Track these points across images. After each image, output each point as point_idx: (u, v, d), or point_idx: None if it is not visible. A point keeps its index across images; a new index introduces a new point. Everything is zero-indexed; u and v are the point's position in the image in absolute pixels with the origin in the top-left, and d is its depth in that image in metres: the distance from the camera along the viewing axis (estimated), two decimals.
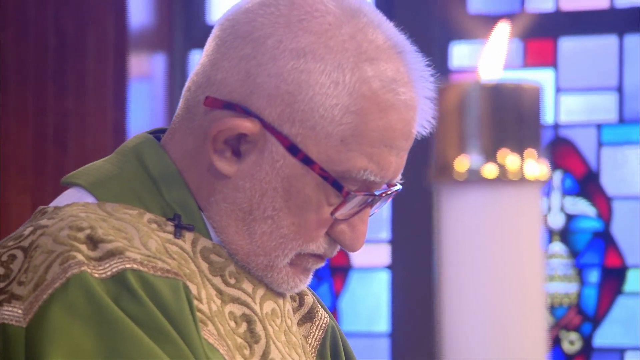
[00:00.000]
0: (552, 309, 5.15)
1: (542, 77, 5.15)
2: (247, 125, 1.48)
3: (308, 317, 1.69)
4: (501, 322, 0.64)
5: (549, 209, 5.18)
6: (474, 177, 0.64)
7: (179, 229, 1.50)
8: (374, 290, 5.31)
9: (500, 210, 0.63)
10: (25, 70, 5.28)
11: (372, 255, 5.29)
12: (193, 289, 1.47)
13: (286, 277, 1.55)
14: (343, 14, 1.51)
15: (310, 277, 1.60)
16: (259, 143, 1.50)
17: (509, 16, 5.22)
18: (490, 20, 5.22)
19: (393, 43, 1.54)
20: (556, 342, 5.11)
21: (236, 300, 1.53)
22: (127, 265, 1.39)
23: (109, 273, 1.37)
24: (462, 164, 0.64)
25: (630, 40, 5.06)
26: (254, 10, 1.51)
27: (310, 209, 1.50)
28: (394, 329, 5.23)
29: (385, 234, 5.26)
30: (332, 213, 1.51)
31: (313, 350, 1.67)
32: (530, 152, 0.66)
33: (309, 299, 1.70)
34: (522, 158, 0.66)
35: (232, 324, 1.51)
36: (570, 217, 5.15)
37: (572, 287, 5.11)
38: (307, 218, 1.50)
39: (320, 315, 1.70)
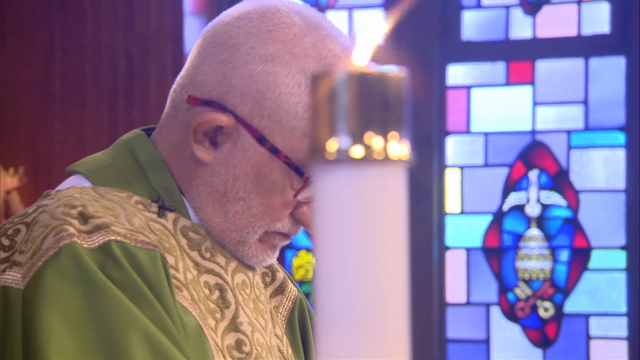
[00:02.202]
0: (530, 282, 5.22)
1: (522, 92, 5.26)
2: (222, 119, 1.48)
3: (279, 290, 1.67)
4: (366, 291, 0.62)
5: (528, 200, 5.24)
6: (343, 157, 0.62)
7: (162, 210, 1.49)
8: None
9: (367, 187, 0.62)
10: (100, 87, 5.37)
11: None
12: (171, 260, 1.46)
13: (255, 252, 1.54)
14: (306, 26, 1.51)
15: (277, 253, 1.58)
16: (233, 134, 1.49)
17: (495, 43, 5.30)
18: (480, 45, 5.33)
19: (348, 52, 1.50)
20: (533, 310, 5.20)
21: (210, 272, 1.52)
22: (112, 237, 1.38)
23: (96, 244, 1.37)
24: (332, 145, 0.63)
25: (595, 62, 5.15)
26: (230, 23, 1.51)
27: (276, 192, 1.49)
28: None
29: None
30: (295, 195, 1.49)
31: (283, 318, 1.65)
32: (393, 134, 0.63)
33: (280, 274, 1.69)
34: (386, 140, 0.63)
35: (207, 291, 1.50)
36: (545, 207, 5.23)
37: (546, 265, 5.20)
38: (273, 200, 1.49)
39: (289, 288, 1.69)
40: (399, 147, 0.64)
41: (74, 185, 1.48)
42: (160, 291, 1.40)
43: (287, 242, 1.57)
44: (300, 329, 1.68)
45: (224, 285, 1.52)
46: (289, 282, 1.71)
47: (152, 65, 5.23)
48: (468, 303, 5.31)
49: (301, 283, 5.49)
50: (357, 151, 0.63)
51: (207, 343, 1.47)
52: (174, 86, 1.55)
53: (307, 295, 5.54)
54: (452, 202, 5.37)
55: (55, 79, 5.51)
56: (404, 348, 0.62)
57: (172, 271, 1.45)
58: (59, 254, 1.35)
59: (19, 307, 1.34)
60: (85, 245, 1.37)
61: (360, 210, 0.63)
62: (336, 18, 5.56)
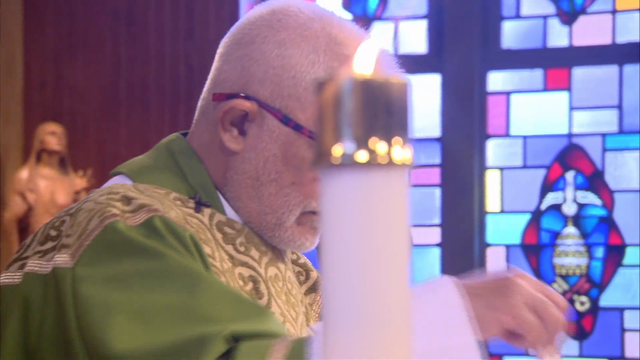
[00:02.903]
0: (567, 277, 5.21)
1: (559, 98, 5.26)
2: (246, 105, 1.45)
3: (313, 288, 1.62)
4: (370, 292, 0.61)
5: (564, 199, 5.23)
6: (348, 162, 0.61)
7: (199, 206, 1.47)
8: (428, 262, 5.39)
9: (371, 190, 0.61)
10: (163, 94, 5.43)
11: (427, 236, 5.37)
12: (208, 250, 1.43)
13: (293, 236, 1.49)
14: (315, 14, 1.50)
15: (317, 237, 1.52)
16: (257, 120, 1.47)
17: (533, 51, 5.31)
18: (519, 53, 5.34)
19: (356, 32, 1.50)
20: (571, 304, 5.17)
21: (244, 264, 1.48)
22: (155, 214, 1.36)
23: (140, 221, 1.36)
24: (338, 150, 0.61)
25: (629, 68, 5.14)
26: (244, 24, 1.51)
27: (306, 168, 1.46)
28: None
29: (437, 219, 5.38)
30: None
31: (316, 315, 1.61)
32: (397, 139, 0.62)
33: (314, 274, 1.64)
34: (390, 145, 0.61)
35: (241, 282, 1.47)
36: (581, 206, 5.21)
37: (582, 261, 5.19)
38: (304, 176, 1.46)
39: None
40: (403, 152, 0.62)
41: (116, 183, 1.47)
42: (201, 262, 1.38)
43: None
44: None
45: (257, 278, 1.49)
46: None
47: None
48: None
49: None
50: (362, 156, 0.61)
51: None
52: (201, 95, 1.53)
53: None
54: (492, 201, 5.36)
55: (121, 86, 5.59)
56: (406, 348, 0.61)
57: (210, 260, 1.42)
58: (105, 231, 1.34)
59: (69, 284, 1.32)
60: (129, 223, 1.35)
61: (364, 213, 0.61)
62: (382, 29, 5.62)
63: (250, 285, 1.48)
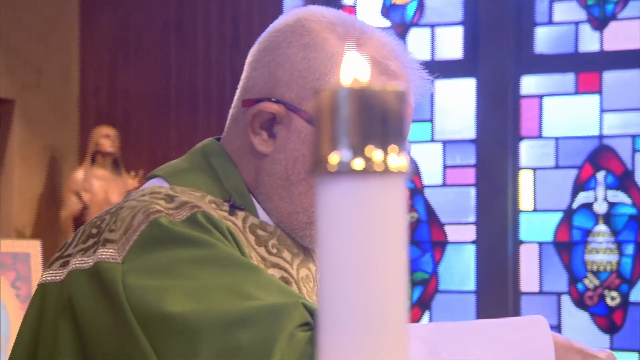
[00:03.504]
0: (598, 273, 5.17)
1: (590, 100, 5.23)
2: (273, 107, 1.44)
3: None
4: (367, 297, 0.59)
5: (595, 198, 5.20)
6: (345, 169, 0.59)
7: (233, 209, 1.44)
8: (464, 259, 5.39)
9: (367, 197, 0.59)
10: (210, 99, 5.46)
11: (462, 233, 5.40)
12: (244, 251, 1.41)
13: None
14: (337, 19, 1.49)
15: None
16: (285, 122, 1.45)
17: (565, 55, 5.28)
18: (551, 58, 5.31)
19: (379, 37, 1.49)
20: (601, 298, 5.16)
21: (276, 266, 1.45)
22: (198, 210, 1.35)
23: (183, 217, 1.34)
24: (334, 158, 0.60)
25: None
26: (270, 33, 1.50)
27: None
28: (479, 288, 5.32)
29: (472, 217, 5.38)
30: None
31: None
32: (393, 147, 0.60)
33: None
34: (386, 152, 0.60)
35: None
36: (611, 205, 5.19)
37: (613, 257, 5.16)
38: None
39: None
40: (398, 160, 0.60)
41: (154, 185, 1.45)
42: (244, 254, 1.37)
43: None
44: None
45: (289, 279, 1.46)
46: None
47: None
48: (541, 292, 5.28)
49: None
50: (358, 163, 0.60)
51: None
52: (233, 104, 1.53)
53: None
54: (525, 200, 5.33)
55: (171, 91, 5.62)
56: (403, 353, 0.58)
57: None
58: (151, 227, 1.32)
59: (119, 279, 1.30)
60: (173, 219, 1.33)
61: (361, 219, 0.59)
62: (419, 35, 5.64)
63: None
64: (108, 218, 1.37)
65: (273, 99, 1.45)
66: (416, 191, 5.55)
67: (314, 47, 1.45)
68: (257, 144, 1.47)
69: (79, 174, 5.50)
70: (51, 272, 1.38)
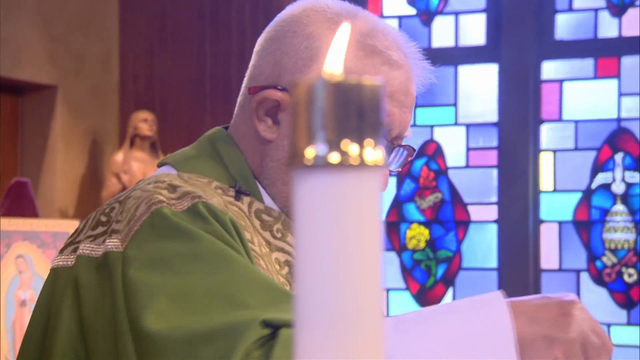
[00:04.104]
0: (616, 251, 5.15)
1: (609, 85, 5.20)
2: (278, 94, 1.41)
3: None
4: (342, 291, 0.56)
5: (614, 179, 5.17)
6: (320, 163, 0.57)
7: (239, 194, 1.43)
8: (486, 237, 5.38)
9: (343, 190, 0.57)
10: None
11: (485, 213, 5.38)
12: (247, 235, 1.38)
13: None
14: (341, 9, 1.46)
15: None
16: (289, 109, 1.41)
17: (585, 41, 5.24)
18: (571, 44, 5.27)
19: (382, 28, 1.46)
20: (619, 275, 5.14)
21: (281, 250, 1.43)
22: (199, 200, 1.32)
23: (185, 207, 1.31)
24: (310, 152, 0.57)
25: None
26: (276, 23, 1.47)
27: None
28: (501, 265, 5.31)
29: (494, 198, 5.36)
30: None
31: None
32: (369, 141, 0.58)
33: None
34: (362, 146, 0.57)
35: (277, 267, 1.42)
36: (629, 185, 5.16)
37: (630, 236, 5.14)
38: None
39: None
40: (374, 153, 0.58)
41: (162, 172, 1.43)
42: (239, 246, 1.32)
43: None
44: None
45: (293, 262, 1.42)
46: None
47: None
48: (560, 269, 5.26)
49: (414, 251, 5.62)
50: (334, 157, 0.57)
51: None
52: (240, 91, 1.50)
53: (420, 262, 5.66)
54: (546, 181, 5.30)
55: (205, 79, 5.63)
56: (379, 347, 0.56)
57: (249, 244, 1.37)
58: (152, 217, 1.30)
59: (119, 268, 1.28)
60: (175, 209, 1.31)
61: (337, 213, 0.57)
62: (444, 22, 5.63)
63: (286, 270, 1.43)
64: (117, 207, 1.36)
65: (278, 87, 1.42)
66: (440, 172, 5.55)
67: (318, 37, 1.43)
68: (262, 131, 1.45)
69: (119, 156, 5.52)
70: (63, 257, 1.37)
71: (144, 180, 1.40)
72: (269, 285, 1.27)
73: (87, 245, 1.34)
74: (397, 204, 5.61)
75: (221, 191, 1.42)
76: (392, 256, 5.60)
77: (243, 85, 1.49)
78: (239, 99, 1.50)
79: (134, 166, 5.44)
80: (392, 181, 5.62)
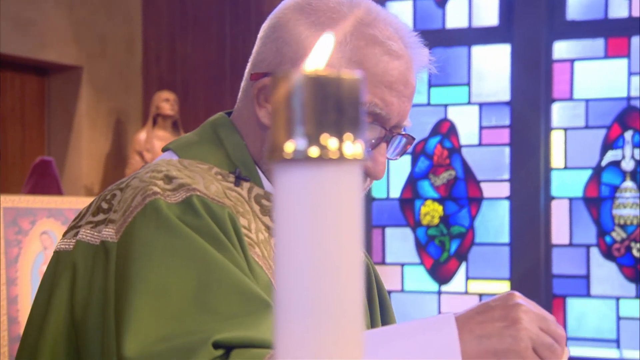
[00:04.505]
0: (625, 226, 5.13)
1: (619, 64, 5.16)
2: None
3: None
4: (321, 285, 0.55)
5: (623, 156, 5.14)
6: (300, 157, 0.56)
7: (238, 180, 1.40)
8: (499, 213, 5.38)
9: (322, 184, 0.56)
10: None
11: (497, 190, 5.37)
12: (244, 222, 1.36)
13: None
14: (344, 0, 1.43)
15: None
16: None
17: (596, 21, 5.20)
18: (582, 24, 5.23)
19: (384, 17, 1.43)
20: (628, 250, 5.12)
21: None
22: (193, 193, 1.30)
23: (179, 199, 1.29)
24: (289, 147, 0.56)
25: None
26: (280, 10, 1.45)
27: None
28: (513, 241, 5.30)
29: (506, 175, 5.35)
30: None
31: None
32: (348, 135, 0.56)
33: None
34: (342, 141, 0.56)
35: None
36: (638, 162, 5.14)
37: (639, 212, 5.14)
38: None
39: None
40: (354, 147, 0.56)
41: (163, 159, 1.42)
42: (232, 240, 1.30)
43: None
44: (365, 287, 1.56)
45: None
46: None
47: None
48: (571, 244, 5.25)
49: (428, 227, 5.64)
50: (313, 151, 0.56)
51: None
52: (244, 77, 1.49)
53: (434, 237, 5.67)
54: (557, 158, 5.29)
55: (225, 60, 5.64)
56: (358, 347, 0.55)
57: (244, 231, 1.34)
58: (145, 209, 1.28)
59: (114, 257, 1.28)
60: (169, 201, 1.29)
61: (317, 206, 0.55)
62: (457, 3, 5.59)
63: None
64: (118, 194, 1.35)
65: None
66: (454, 150, 5.55)
67: (320, 26, 1.40)
68: (262, 117, 1.42)
69: (142, 135, 5.53)
70: (65, 240, 1.36)
71: (146, 167, 1.38)
72: (245, 294, 1.24)
73: (87, 231, 1.33)
74: (412, 181, 5.61)
75: (221, 177, 1.40)
76: (407, 232, 5.61)
77: (246, 70, 1.48)
78: (242, 84, 1.49)
79: (157, 144, 5.43)
80: (407, 159, 5.62)
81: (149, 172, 1.34)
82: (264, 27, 1.46)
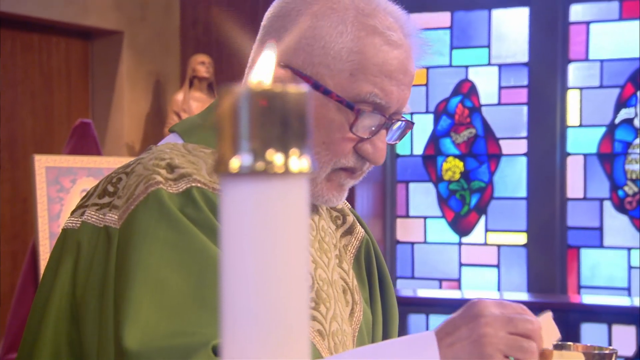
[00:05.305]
0: (637, 181, 5.10)
1: (633, 26, 5.08)
2: (280, 72, 1.34)
3: (348, 231, 1.53)
4: (268, 297, 0.52)
5: (636, 114, 5.11)
6: (246, 171, 0.53)
7: None
8: (516, 169, 5.37)
9: (268, 199, 0.53)
10: None
11: (515, 147, 5.36)
12: None
13: (321, 191, 1.37)
14: None
15: (344, 193, 1.40)
16: (291, 84, 1.25)
17: None
18: None
19: (384, 7, 1.39)
20: (639, 203, 5.20)
21: None
22: (194, 184, 1.27)
23: (180, 189, 1.26)
24: (235, 162, 0.53)
25: None
26: (281, 1, 1.39)
27: (335, 129, 1.33)
28: (530, 195, 5.29)
29: (524, 133, 5.33)
30: (351, 128, 1.33)
31: (351, 255, 1.52)
32: (294, 151, 0.53)
33: (350, 218, 1.55)
34: (287, 156, 0.53)
35: None
36: None
37: None
38: (333, 137, 1.34)
39: (357, 230, 1.54)
40: (300, 162, 0.53)
41: (168, 142, 1.37)
42: None
43: (354, 181, 1.39)
44: (366, 263, 1.55)
45: None
46: (357, 224, 1.56)
47: None
48: (585, 198, 5.23)
49: (449, 182, 5.66)
50: (259, 166, 0.53)
51: None
52: (248, 64, 1.43)
53: (455, 192, 5.69)
54: (572, 116, 5.25)
55: (258, 24, 5.75)
56: (304, 356, 0.52)
57: None
58: (147, 199, 1.25)
59: (115, 243, 1.25)
60: (170, 191, 1.26)
61: (262, 220, 0.52)
62: None
63: None
64: (124, 178, 1.32)
65: (281, 64, 1.35)
66: (474, 109, 5.55)
67: (321, 17, 1.35)
68: None
69: (179, 96, 5.53)
70: (72, 219, 1.34)
71: (151, 152, 1.34)
72: None
73: (93, 213, 1.31)
74: (434, 139, 5.63)
75: None
76: (430, 187, 5.64)
77: (250, 58, 1.42)
78: (246, 71, 1.43)
79: (193, 105, 5.44)
80: (430, 118, 5.64)
81: (153, 159, 1.31)
82: (267, 15, 1.41)
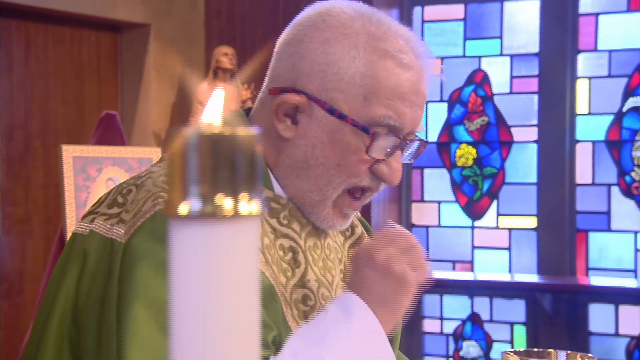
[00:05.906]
0: None
1: None
2: (296, 98, 1.34)
3: (356, 243, 1.52)
4: (217, 339, 0.50)
5: None
6: (195, 215, 0.51)
7: None
8: (527, 156, 5.34)
9: (217, 242, 0.51)
10: None
11: (526, 134, 5.33)
12: None
13: (327, 216, 1.38)
14: (356, 13, 1.37)
15: (347, 221, 1.41)
16: (307, 111, 1.34)
17: None
18: None
19: (395, 29, 1.37)
20: None
21: (286, 236, 1.37)
22: None
23: None
24: (184, 207, 0.51)
25: None
26: (294, 26, 1.40)
27: (351, 152, 1.33)
28: (540, 180, 5.27)
29: (535, 120, 5.29)
30: (367, 151, 1.33)
31: None
32: (243, 195, 0.51)
33: (358, 230, 1.54)
34: (237, 200, 0.51)
35: (281, 253, 1.35)
36: None
37: None
38: (349, 159, 1.33)
39: (365, 241, 1.53)
40: (249, 206, 0.51)
41: None
42: None
43: (355, 211, 1.40)
44: None
45: (297, 248, 1.38)
46: (366, 236, 1.55)
47: None
48: (593, 184, 5.19)
49: (462, 168, 5.66)
50: (208, 210, 0.50)
51: (278, 298, 1.33)
52: (262, 89, 1.42)
53: (468, 177, 5.69)
54: (581, 104, 5.21)
55: (279, 15, 5.58)
56: None
57: None
58: (154, 217, 1.24)
59: (119, 259, 1.24)
60: None
61: (212, 264, 0.50)
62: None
63: (289, 255, 1.37)
64: (133, 191, 1.31)
65: (296, 90, 1.34)
66: (487, 98, 5.54)
67: (334, 42, 1.33)
68: (282, 130, 1.37)
69: (204, 86, 5.52)
70: (83, 224, 1.33)
71: (163, 165, 1.31)
72: None
73: (101, 223, 1.30)
74: (448, 126, 5.63)
75: None
76: (444, 172, 5.64)
77: (264, 83, 1.40)
78: (259, 95, 1.42)
79: None
80: (444, 106, 5.64)
81: (163, 175, 1.29)
82: (279, 42, 1.40)
